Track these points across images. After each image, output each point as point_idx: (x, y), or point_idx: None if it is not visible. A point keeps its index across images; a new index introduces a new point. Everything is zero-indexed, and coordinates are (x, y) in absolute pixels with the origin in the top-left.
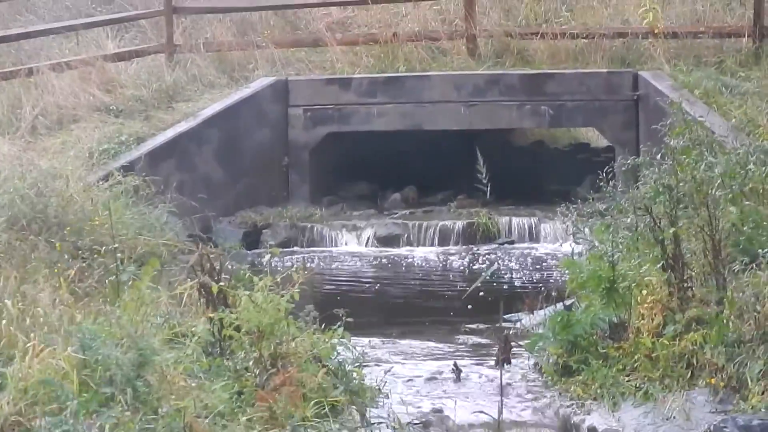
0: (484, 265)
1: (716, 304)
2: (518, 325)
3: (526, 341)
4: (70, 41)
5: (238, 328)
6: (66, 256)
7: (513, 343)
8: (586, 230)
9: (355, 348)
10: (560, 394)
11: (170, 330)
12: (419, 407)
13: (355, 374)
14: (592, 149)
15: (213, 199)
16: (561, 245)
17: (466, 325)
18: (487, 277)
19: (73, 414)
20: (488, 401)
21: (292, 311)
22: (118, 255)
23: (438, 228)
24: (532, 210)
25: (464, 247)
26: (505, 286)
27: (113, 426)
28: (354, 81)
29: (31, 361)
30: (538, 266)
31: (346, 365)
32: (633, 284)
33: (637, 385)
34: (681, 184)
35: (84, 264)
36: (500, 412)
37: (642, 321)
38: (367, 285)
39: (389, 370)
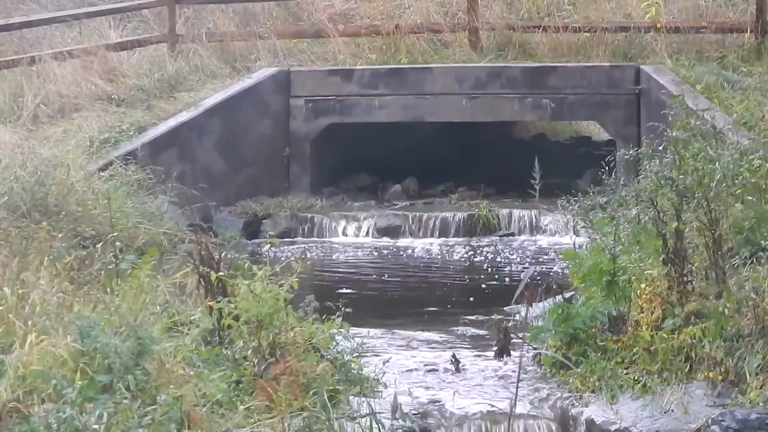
0: (483, 256)
1: (715, 298)
2: (518, 317)
3: (526, 333)
4: (73, 30)
5: (236, 318)
6: (65, 245)
7: (512, 335)
8: (588, 222)
9: (353, 338)
10: (559, 386)
11: (169, 319)
12: (417, 398)
13: (353, 364)
14: (593, 143)
15: (214, 189)
16: (562, 238)
17: (465, 317)
18: (528, 281)
19: (71, 402)
20: (487, 392)
21: (292, 301)
22: (118, 244)
23: (438, 220)
24: (533, 202)
25: (464, 239)
26: (506, 278)
27: (111, 414)
28: (356, 72)
29: (30, 349)
30: (538, 259)
31: (345, 355)
32: (633, 277)
33: (636, 378)
34: (683, 176)
35: (84, 252)
36: (513, 406)
37: (641, 314)
38: (367, 276)
39: (388, 361)
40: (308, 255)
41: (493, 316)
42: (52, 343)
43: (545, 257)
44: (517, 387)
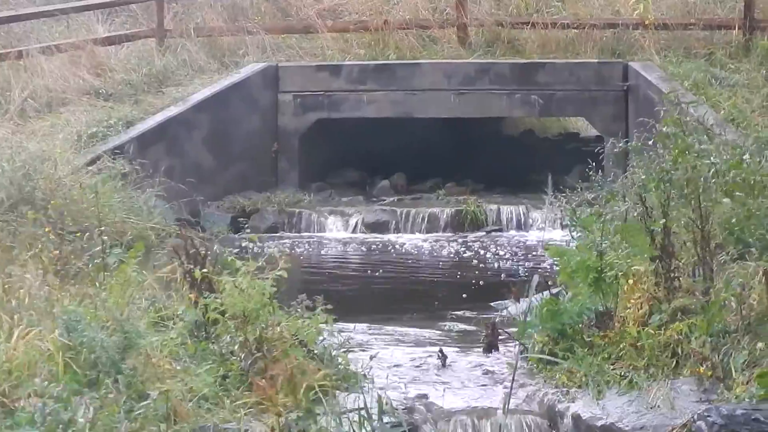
0: (471, 251)
1: (702, 295)
2: (505, 312)
3: (513, 329)
4: (60, 24)
5: (223, 313)
6: (52, 239)
7: (500, 331)
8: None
9: (340, 333)
10: (545, 381)
11: (156, 313)
12: (404, 393)
13: (341, 359)
14: (581, 139)
15: (202, 184)
16: (550, 233)
17: (453, 312)
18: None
19: (57, 396)
20: (474, 388)
21: (279, 296)
22: (105, 238)
23: (426, 215)
24: (522, 198)
25: (452, 234)
26: (493, 274)
27: (97, 408)
28: (344, 68)
29: (16, 343)
30: (526, 254)
31: (332, 350)
32: (620, 274)
33: (622, 373)
34: (673, 172)
35: (71, 246)
36: (507, 403)
37: (628, 310)
38: (355, 271)
39: (375, 356)
40: (296, 250)
41: (480, 312)
42: (39, 336)
43: (533, 253)
44: (513, 382)
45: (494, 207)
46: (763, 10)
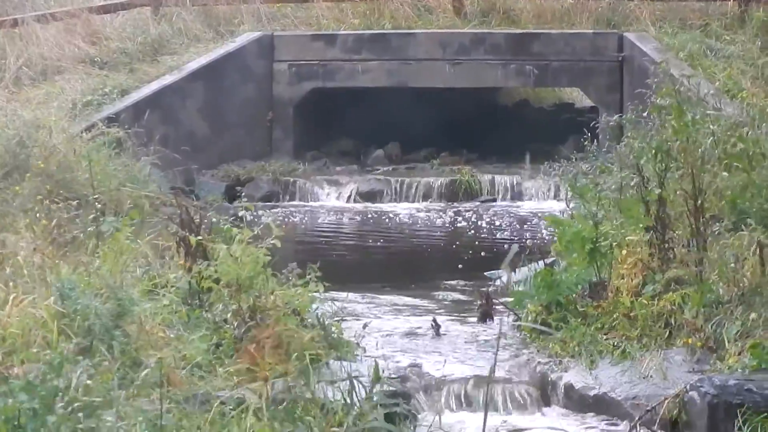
0: (465, 221)
1: (696, 266)
2: (499, 282)
3: (507, 298)
4: None
5: (216, 281)
6: (47, 206)
7: (494, 300)
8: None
9: (333, 302)
10: (538, 351)
11: (150, 281)
12: (397, 362)
13: (334, 328)
14: (576, 109)
15: (196, 153)
16: (544, 203)
17: (447, 282)
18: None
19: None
20: (467, 357)
21: (273, 265)
22: (99, 206)
23: (420, 184)
24: (516, 167)
25: (446, 204)
26: (487, 244)
27: (92, 375)
28: (339, 37)
29: (10, 311)
30: (519, 224)
31: (325, 319)
32: (615, 244)
33: (615, 343)
34: (669, 143)
35: (65, 214)
36: (493, 368)
37: (622, 281)
38: (349, 240)
39: (367, 325)
40: (290, 219)
41: (474, 282)
42: (33, 304)
43: (527, 223)
44: (497, 352)
45: (488, 177)
46: None
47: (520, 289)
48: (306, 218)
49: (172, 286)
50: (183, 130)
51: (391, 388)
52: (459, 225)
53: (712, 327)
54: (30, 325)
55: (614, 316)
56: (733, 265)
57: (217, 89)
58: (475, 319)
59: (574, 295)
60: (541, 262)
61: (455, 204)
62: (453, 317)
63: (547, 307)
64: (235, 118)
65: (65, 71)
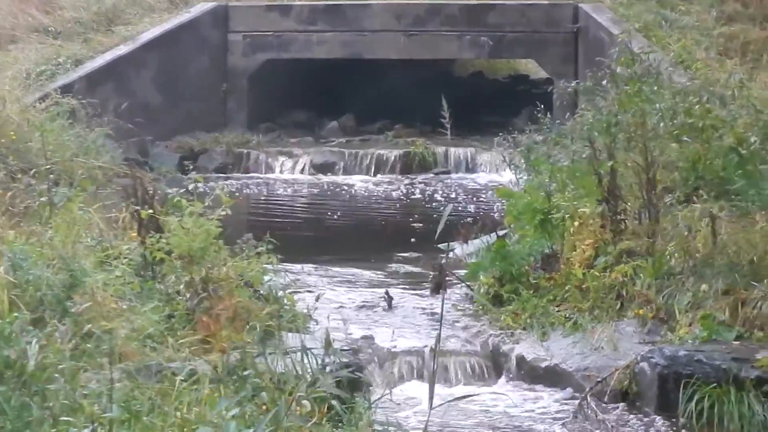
0: (419, 193)
1: (648, 237)
2: (452, 254)
3: (461, 270)
4: None
5: (169, 252)
6: (0, 177)
7: (448, 272)
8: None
9: (287, 274)
10: (491, 323)
11: (102, 252)
12: (350, 334)
13: (286, 300)
14: (531, 81)
15: (151, 124)
16: (497, 175)
17: (400, 254)
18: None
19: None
20: (419, 329)
21: (226, 237)
22: (52, 176)
23: (374, 156)
24: (470, 139)
25: (400, 176)
26: (440, 216)
27: (43, 346)
28: (294, 8)
29: None
30: (473, 196)
31: (277, 291)
32: (567, 216)
33: (567, 315)
34: (619, 116)
35: (19, 185)
36: (438, 339)
37: (574, 252)
38: (302, 212)
39: (319, 297)
40: (244, 191)
41: (427, 254)
42: None
43: (481, 195)
44: (441, 325)
45: (442, 149)
46: None
47: (473, 260)
48: (260, 190)
49: (124, 258)
50: (137, 101)
51: (343, 359)
52: (413, 197)
53: (663, 298)
54: None
55: (566, 288)
56: (685, 236)
57: (171, 60)
58: (427, 291)
59: (526, 267)
60: (493, 234)
61: (409, 176)
62: (406, 289)
63: (500, 279)
64: (189, 89)
65: (19, 40)
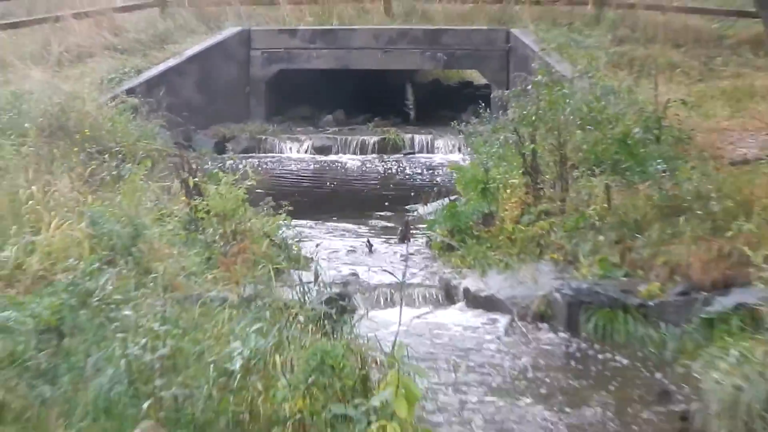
0: (392, 169)
1: (560, 202)
2: (416, 213)
3: (423, 225)
4: None
5: (208, 212)
6: (81, 156)
7: (412, 227)
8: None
9: (295, 228)
10: (444, 264)
11: (158, 212)
12: (340, 271)
13: (294, 247)
14: (474, 86)
15: (193, 117)
16: (450, 155)
17: (378, 213)
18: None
19: (84, 271)
20: (392, 268)
21: (250, 200)
22: (120, 156)
23: (359, 141)
24: (430, 129)
25: (378, 155)
26: (408, 185)
27: (114, 281)
28: (299, 31)
29: (54, 233)
30: (432, 171)
31: (288, 240)
32: (500, 185)
33: (500, 258)
34: (541, 112)
35: (95, 163)
36: (404, 275)
37: (506, 212)
38: (306, 182)
39: (319, 244)
40: (263, 167)
41: (398, 213)
42: (70, 228)
43: (438, 170)
44: (406, 264)
45: (409, 136)
46: None
47: (431, 218)
48: (274, 166)
49: (174, 216)
50: (182, 100)
51: (335, 290)
52: (387, 171)
53: (571, 246)
54: (69, 243)
55: (500, 238)
56: (587, 201)
57: (207, 70)
58: (398, 240)
59: (470, 223)
60: (446, 199)
61: (385, 156)
62: (382, 239)
63: (451, 232)
64: (221, 91)
65: (95, 55)
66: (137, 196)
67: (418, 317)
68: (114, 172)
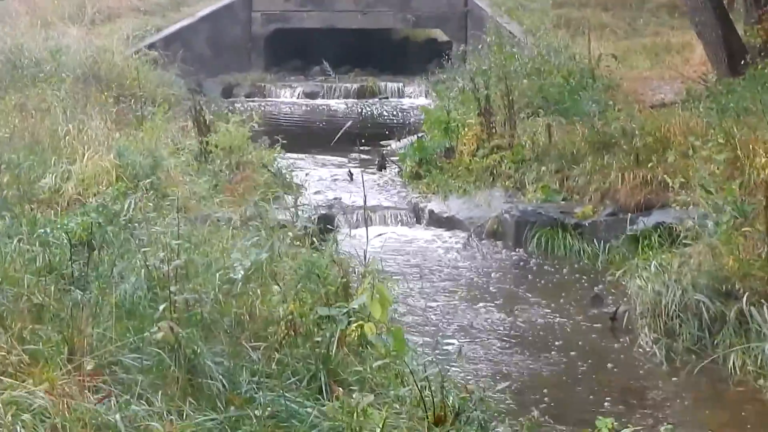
0: (370, 111)
1: (509, 138)
2: (389, 148)
3: (395, 157)
4: None
5: (216, 146)
6: (111, 100)
7: (387, 159)
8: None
9: (287, 159)
10: (413, 190)
11: (174, 146)
12: (326, 196)
13: (287, 176)
14: (438, 42)
15: (203, 68)
16: (418, 100)
17: (358, 147)
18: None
19: (111, 195)
20: (370, 193)
21: (251, 136)
22: (143, 100)
23: (343, 88)
24: (401, 78)
25: (358, 100)
26: (383, 124)
27: (137, 203)
28: None
29: (87, 162)
30: (403, 113)
31: (282, 170)
32: (460, 124)
33: (459, 185)
34: (494, 66)
35: (123, 105)
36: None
37: (464, 147)
38: (298, 122)
39: (308, 174)
40: (263, 109)
41: (375, 147)
42: (101, 159)
43: (407, 113)
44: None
45: (384, 83)
46: None
47: (402, 152)
48: (271, 109)
49: (188, 150)
50: (195, 53)
51: (322, 212)
52: (366, 113)
53: (518, 175)
54: (99, 171)
55: (459, 169)
56: (532, 137)
57: (216, 28)
58: (374, 170)
59: (435, 156)
60: (415, 136)
61: (363, 100)
62: (362, 169)
63: (419, 163)
64: (227, 46)
65: (122, 16)
66: (157, 133)
67: (391, 233)
68: (138, 113)
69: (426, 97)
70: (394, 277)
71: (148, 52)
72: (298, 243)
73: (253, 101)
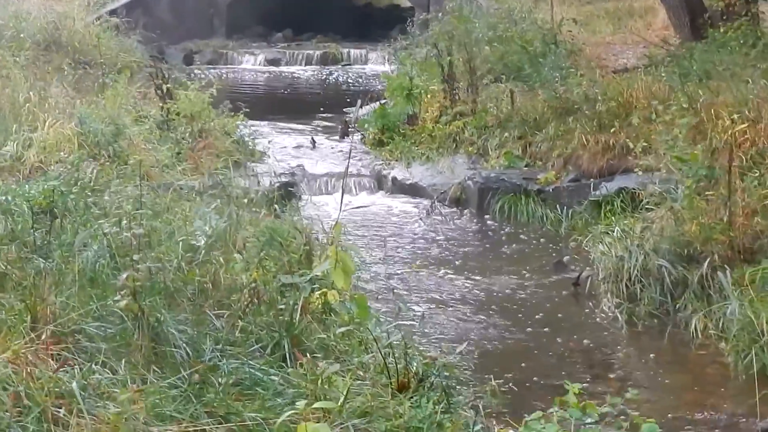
0: (332, 77)
1: (472, 104)
2: (352, 115)
3: (357, 124)
4: None
5: (178, 113)
6: (72, 66)
7: (349, 126)
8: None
9: (251, 127)
10: (376, 157)
11: (137, 113)
12: (289, 163)
13: (250, 143)
14: (402, 9)
15: (165, 35)
16: (381, 66)
17: (321, 114)
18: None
19: (72, 162)
20: (332, 160)
21: (214, 103)
22: (104, 66)
23: (305, 55)
24: (364, 44)
25: (321, 67)
26: (345, 91)
27: (98, 170)
28: None
29: (48, 130)
30: (366, 80)
31: (245, 138)
32: (423, 91)
33: (423, 152)
34: (455, 33)
35: (83, 72)
36: (347, 168)
37: (427, 113)
38: (260, 89)
39: (271, 141)
40: (224, 76)
41: (338, 114)
42: (62, 127)
43: (370, 79)
44: (350, 156)
45: (347, 50)
46: None
47: (365, 118)
48: (233, 76)
49: (150, 117)
50: (156, 20)
51: (284, 179)
52: (329, 80)
53: (481, 141)
54: (60, 139)
55: (422, 135)
56: (494, 103)
57: None
58: (337, 137)
59: (398, 123)
60: (378, 102)
61: (326, 67)
62: (324, 137)
63: (382, 130)
64: (189, 13)
65: None
66: (118, 101)
67: (355, 201)
68: (99, 80)
69: (389, 63)
70: (357, 245)
71: (110, 18)
72: (259, 210)
73: (215, 68)
